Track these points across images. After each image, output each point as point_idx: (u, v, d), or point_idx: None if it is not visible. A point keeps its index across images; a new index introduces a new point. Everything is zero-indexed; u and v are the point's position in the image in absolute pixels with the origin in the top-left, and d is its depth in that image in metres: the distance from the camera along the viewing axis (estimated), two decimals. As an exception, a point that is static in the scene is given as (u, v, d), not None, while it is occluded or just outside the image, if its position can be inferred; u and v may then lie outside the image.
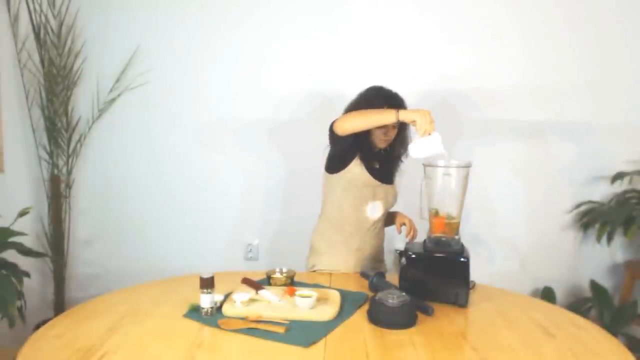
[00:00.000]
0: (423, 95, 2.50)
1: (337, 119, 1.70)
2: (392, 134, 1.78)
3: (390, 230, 2.66)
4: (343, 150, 1.77)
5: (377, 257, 1.92)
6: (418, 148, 1.52)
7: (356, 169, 1.78)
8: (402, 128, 1.81)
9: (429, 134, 1.49)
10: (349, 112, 1.73)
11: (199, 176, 2.64)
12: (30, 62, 2.52)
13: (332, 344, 1.23)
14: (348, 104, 1.82)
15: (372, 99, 1.77)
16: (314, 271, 1.87)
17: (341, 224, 1.83)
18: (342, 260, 1.84)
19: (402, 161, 1.92)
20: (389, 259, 2.58)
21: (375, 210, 1.83)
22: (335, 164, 1.80)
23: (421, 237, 1.62)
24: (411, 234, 1.88)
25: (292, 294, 1.46)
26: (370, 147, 1.81)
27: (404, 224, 1.91)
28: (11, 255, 2.05)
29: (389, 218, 1.93)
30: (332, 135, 1.74)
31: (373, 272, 1.73)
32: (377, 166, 1.85)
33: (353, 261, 1.84)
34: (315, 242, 1.91)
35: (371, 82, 2.49)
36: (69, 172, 2.58)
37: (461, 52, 2.49)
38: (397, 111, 1.55)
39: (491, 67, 2.49)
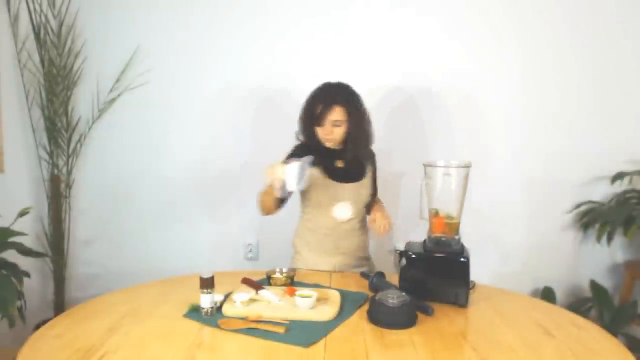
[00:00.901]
0: (420, 91, 2.51)
1: None
2: (334, 131, 1.74)
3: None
4: None
5: (358, 255, 1.89)
6: (289, 183, 1.56)
7: (314, 178, 1.80)
8: (353, 123, 1.76)
9: (282, 175, 1.55)
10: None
11: (199, 176, 2.64)
12: (30, 62, 2.52)
13: (332, 344, 1.23)
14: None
15: (308, 106, 1.76)
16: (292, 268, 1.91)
17: (314, 226, 1.86)
18: (320, 259, 1.85)
19: (367, 155, 1.88)
20: (384, 258, 2.58)
21: (343, 211, 1.82)
22: None
23: (421, 237, 1.62)
24: (380, 230, 1.73)
25: (292, 294, 1.46)
26: (327, 152, 1.80)
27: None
28: (11, 255, 2.05)
29: (369, 208, 1.89)
30: None
31: (360, 270, 1.77)
32: (341, 165, 1.84)
33: (331, 260, 1.85)
34: (295, 243, 1.94)
35: (373, 81, 2.51)
36: (69, 172, 2.58)
37: (463, 52, 2.49)
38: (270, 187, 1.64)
39: (490, 65, 2.49)
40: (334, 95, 1.74)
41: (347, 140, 1.79)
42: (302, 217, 1.92)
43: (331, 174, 1.81)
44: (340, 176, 1.81)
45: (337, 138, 1.76)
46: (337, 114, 1.72)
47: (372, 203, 1.91)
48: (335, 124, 1.73)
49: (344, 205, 1.81)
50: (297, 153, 1.82)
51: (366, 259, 1.95)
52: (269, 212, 1.82)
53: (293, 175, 1.55)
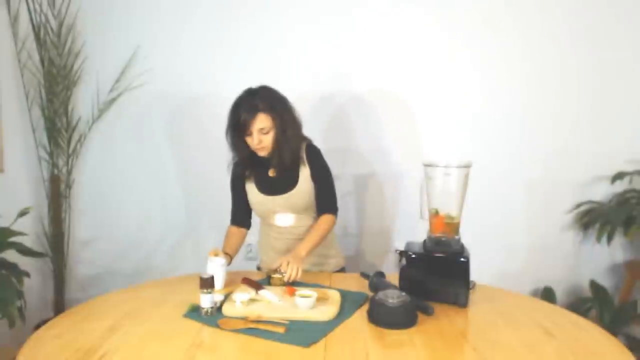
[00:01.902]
0: (419, 92, 2.51)
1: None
2: (263, 139, 1.69)
3: (389, 229, 2.67)
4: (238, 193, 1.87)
5: (318, 253, 1.86)
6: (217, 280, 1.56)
7: (249, 194, 1.83)
8: (280, 128, 1.70)
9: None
10: (230, 228, 1.89)
11: (199, 176, 2.64)
12: (30, 62, 2.51)
13: (332, 344, 1.23)
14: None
15: (231, 120, 1.71)
16: (258, 267, 2.01)
17: (265, 230, 1.91)
18: (274, 260, 1.83)
19: (295, 159, 1.77)
20: (384, 258, 2.58)
21: (284, 220, 1.83)
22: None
23: (421, 237, 1.62)
24: (290, 278, 1.62)
25: (292, 294, 1.46)
26: (260, 162, 1.78)
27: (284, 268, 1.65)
28: (11, 255, 2.04)
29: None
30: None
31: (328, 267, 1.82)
32: (273, 174, 1.81)
33: None
34: (258, 242, 2.00)
35: (373, 83, 2.51)
36: (69, 172, 2.58)
37: (464, 51, 2.49)
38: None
39: (490, 65, 2.49)
40: (256, 103, 1.68)
41: (274, 151, 1.73)
42: (260, 223, 1.97)
43: (263, 187, 1.81)
44: (271, 189, 1.80)
45: (268, 146, 1.71)
46: (262, 121, 1.67)
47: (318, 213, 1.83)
48: (263, 132, 1.68)
49: (282, 215, 1.83)
50: (235, 175, 1.86)
51: (327, 256, 1.91)
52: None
53: (215, 276, 1.53)
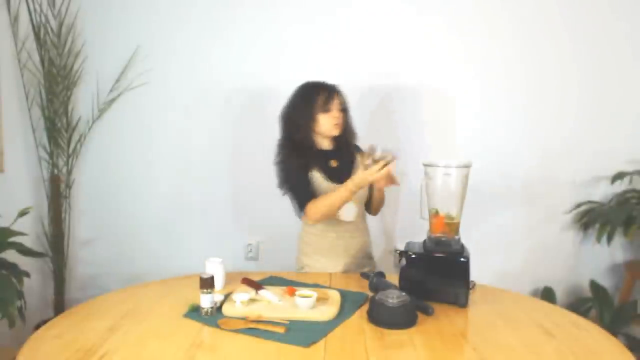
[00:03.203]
0: (419, 91, 2.51)
1: (307, 211, 1.75)
2: (340, 115, 1.78)
3: (389, 229, 2.67)
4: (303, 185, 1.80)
5: (365, 254, 1.91)
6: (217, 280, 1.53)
7: (315, 182, 1.80)
8: (346, 112, 1.83)
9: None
10: (314, 201, 1.73)
11: (199, 176, 2.64)
12: (30, 62, 2.52)
13: (332, 344, 1.23)
14: (284, 107, 1.84)
15: (309, 96, 1.77)
16: (301, 269, 1.92)
17: (323, 232, 1.84)
18: (330, 262, 1.85)
19: (357, 146, 1.91)
20: (384, 258, 2.59)
21: (349, 212, 1.81)
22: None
23: (421, 237, 1.62)
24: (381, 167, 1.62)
25: (292, 294, 1.46)
26: (319, 153, 1.82)
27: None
28: (11, 255, 2.05)
29: (367, 206, 1.92)
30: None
31: (366, 269, 1.78)
32: (336, 165, 1.83)
33: (342, 262, 1.85)
34: (303, 247, 1.91)
35: (373, 81, 2.52)
36: (69, 172, 2.58)
37: (465, 51, 2.49)
38: (348, 185, 1.65)
39: (490, 65, 2.49)
40: (332, 85, 1.80)
41: (342, 132, 1.82)
42: (305, 224, 1.88)
43: (330, 176, 1.80)
44: (338, 177, 1.79)
45: (343, 124, 1.80)
46: (339, 100, 1.79)
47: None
48: (340, 108, 1.78)
49: (348, 206, 1.78)
50: (297, 162, 1.79)
51: (370, 257, 1.97)
52: (327, 217, 1.78)
53: (215, 276, 1.50)
